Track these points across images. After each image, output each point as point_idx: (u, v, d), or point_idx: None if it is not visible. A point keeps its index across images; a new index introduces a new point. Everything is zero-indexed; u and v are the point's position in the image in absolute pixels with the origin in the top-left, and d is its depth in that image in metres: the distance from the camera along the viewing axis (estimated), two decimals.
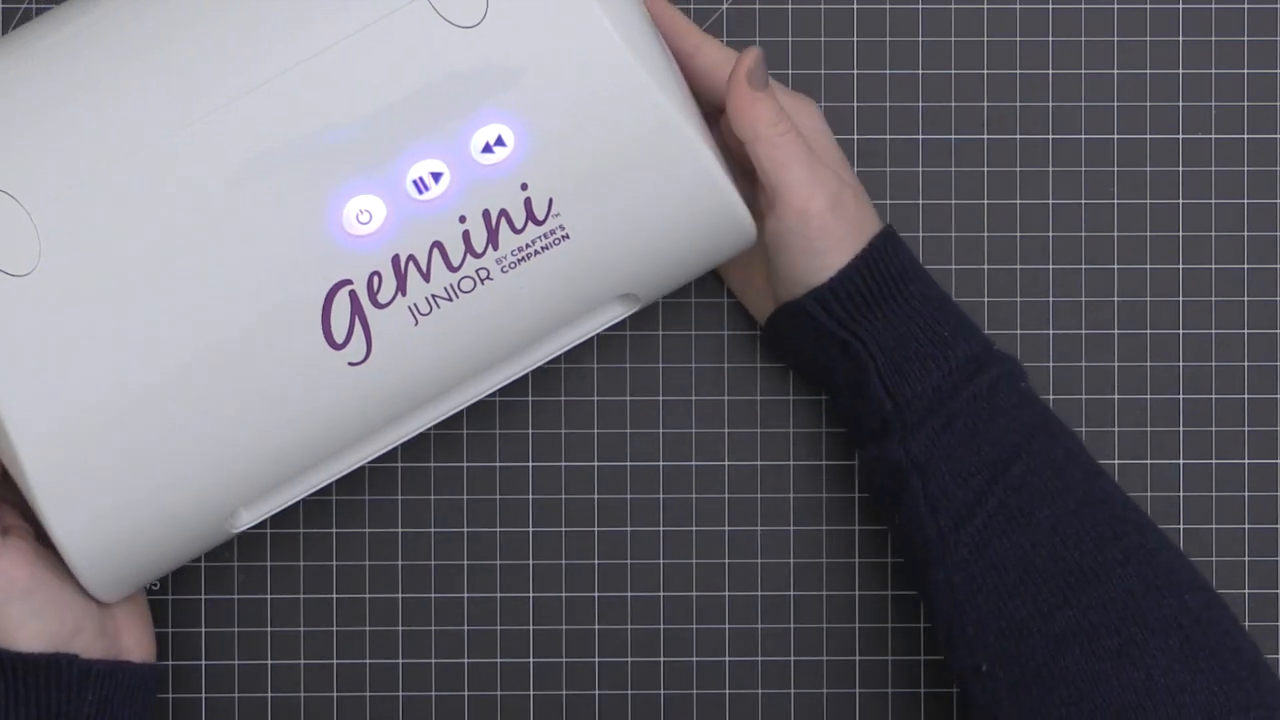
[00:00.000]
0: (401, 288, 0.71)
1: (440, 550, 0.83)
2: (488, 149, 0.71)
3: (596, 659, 0.80)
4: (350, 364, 0.71)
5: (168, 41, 0.71)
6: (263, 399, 0.71)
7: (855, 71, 0.83)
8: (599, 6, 0.70)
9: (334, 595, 0.83)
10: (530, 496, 0.83)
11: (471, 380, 0.74)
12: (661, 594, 0.83)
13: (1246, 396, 0.83)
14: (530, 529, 0.83)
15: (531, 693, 0.83)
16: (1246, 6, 0.83)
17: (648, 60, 0.71)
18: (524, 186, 0.71)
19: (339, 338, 0.71)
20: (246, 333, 0.70)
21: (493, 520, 0.83)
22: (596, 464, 0.83)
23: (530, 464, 0.83)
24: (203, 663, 0.83)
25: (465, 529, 0.83)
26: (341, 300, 0.71)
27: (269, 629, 0.83)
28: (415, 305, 0.71)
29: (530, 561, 0.83)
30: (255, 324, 0.70)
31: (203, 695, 0.83)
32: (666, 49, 0.76)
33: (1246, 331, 0.83)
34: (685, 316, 0.83)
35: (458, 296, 0.72)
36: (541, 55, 0.70)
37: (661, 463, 0.83)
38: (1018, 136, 0.83)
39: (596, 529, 0.83)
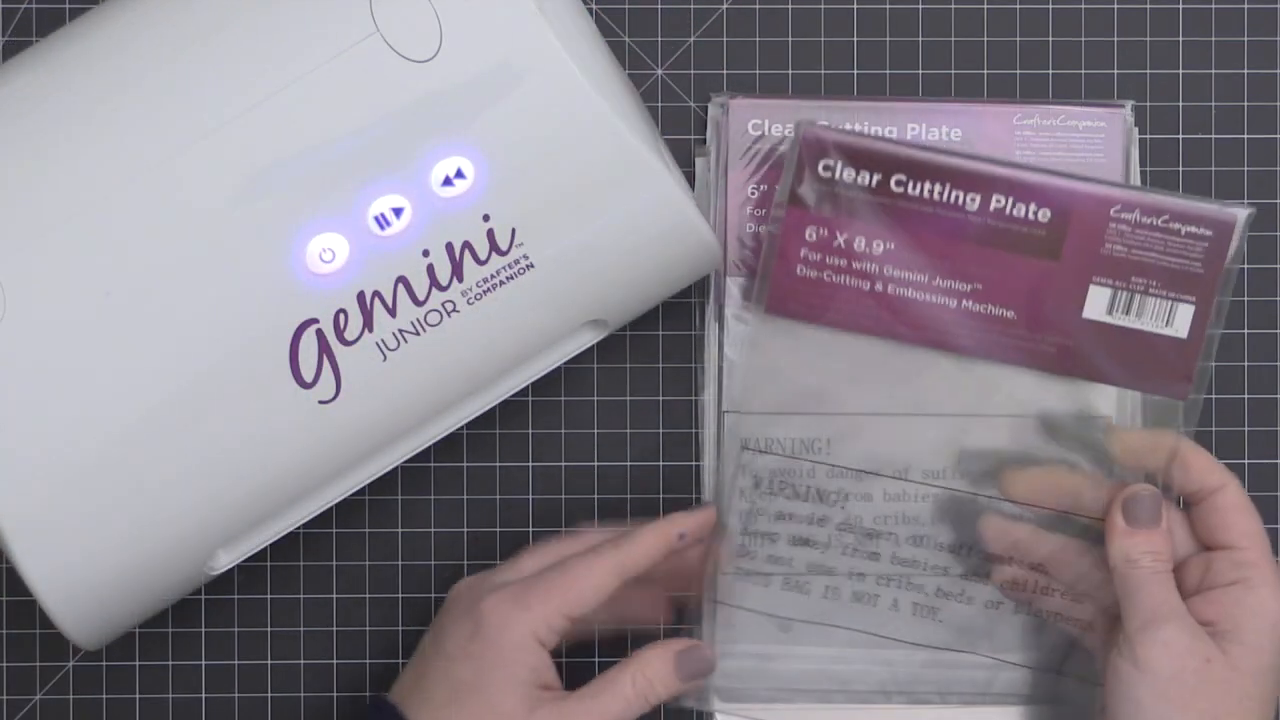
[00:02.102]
0: (368, 324, 0.71)
1: (440, 550, 0.83)
2: (448, 182, 0.71)
3: (596, 659, 0.80)
4: (320, 402, 0.71)
5: (125, 88, 0.71)
6: (235, 441, 0.71)
7: (855, 71, 0.83)
8: (554, 37, 0.70)
9: (334, 595, 0.83)
10: (530, 496, 0.83)
11: (443, 413, 0.74)
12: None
13: (1246, 396, 0.83)
14: (530, 529, 0.83)
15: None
16: (1246, 6, 0.83)
17: (604, 88, 0.72)
18: (486, 218, 0.71)
19: (308, 377, 0.71)
20: (215, 375, 0.70)
21: (493, 520, 0.83)
22: (597, 464, 0.83)
23: (530, 464, 0.83)
24: (203, 663, 0.83)
25: (465, 529, 0.83)
26: (308, 339, 0.71)
27: (269, 629, 0.83)
28: (383, 341, 0.72)
29: None
30: (223, 366, 0.70)
31: (203, 695, 0.83)
32: (624, 75, 0.76)
33: (1246, 331, 0.83)
34: (686, 315, 0.83)
35: (425, 330, 0.72)
36: (498, 86, 0.70)
37: (662, 463, 0.83)
38: None
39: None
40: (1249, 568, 0.74)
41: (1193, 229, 0.76)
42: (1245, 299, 0.83)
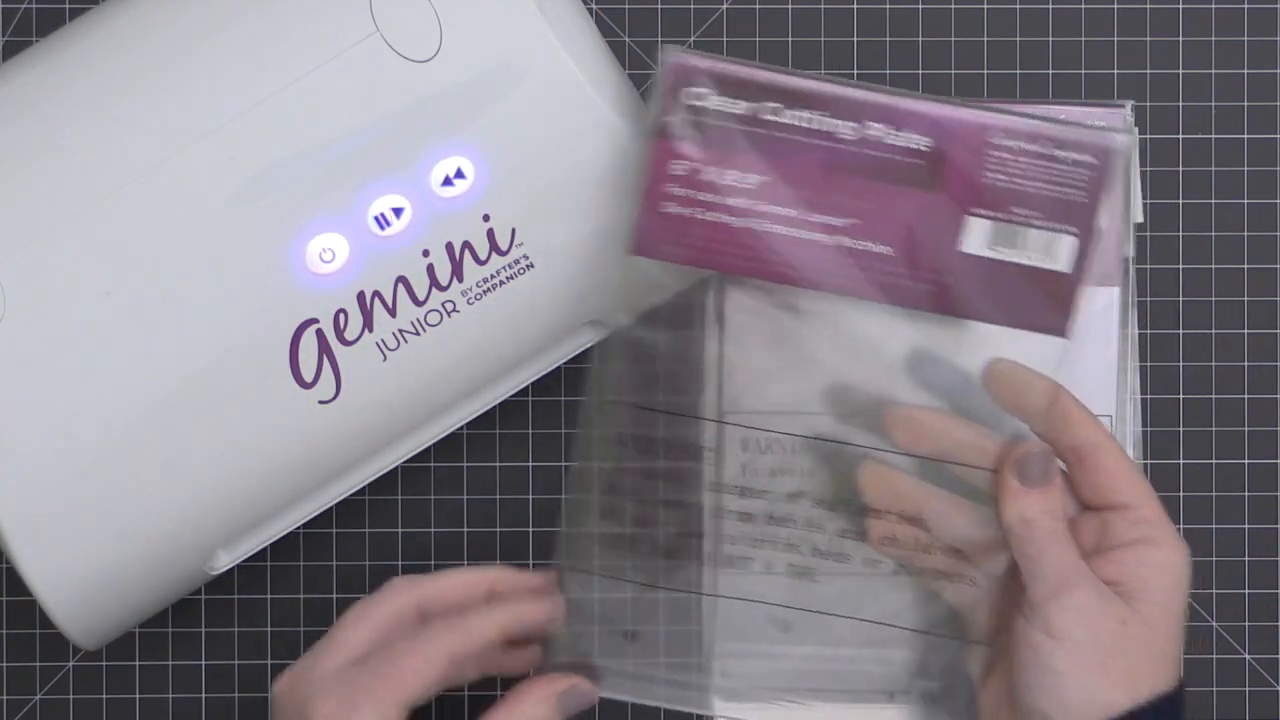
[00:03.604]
0: (368, 324, 0.71)
1: (440, 550, 0.83)
2: (448, 182, 0.71)
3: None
4: (320, 402, 0.71)
5: (126, 88, 0.71)
6: (235, 441, 0.71)
7: (855, 71, 0.83)
8: (554, 37, 0.71)
9: (334, 595, 0.83)
10: (530, 496, 0.83)
11: (443, 413, 0.74)
12: (661, 595, 0.83)
13: (1246, 396, 0.83)
14: (530, 529, 0.83)
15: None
16: (1246, 6, 0.83)
17: (604, 88, 0.72)
18: (486, 218, 0.71)
19: (308, 377, 0.71)
20: (215, 376, 0.70)
21: (493, 520, 0.83)
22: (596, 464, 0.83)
23: (530, 464, 0.83)
24: (203, 663, 0.83)
25: (465, 529, 0.83)
26: (308, 340, 0.71)
27: (269, 629, 0.83)
28: (383, 341, 0.72)
29: (530, 561, 0.83)
30: (223, 366, 0.70)
31: (203, 695, 0.83)
32: (624, 75, 0.76)
33: (1246, 331, 0.83)
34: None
35: (425, 331, 0.72)
36: (497, 86, 0.70)
37: (660, 463, 0.83)
38: None
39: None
40: (1149, 525, 0.72)
41: (1074, 155, 0.72)
42: (1245, 299, 0.83)
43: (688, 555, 0.75)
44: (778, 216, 0.72)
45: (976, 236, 0.72)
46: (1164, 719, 0.71)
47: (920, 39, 0.83)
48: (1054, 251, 0.72)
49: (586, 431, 0.74)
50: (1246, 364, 0.83)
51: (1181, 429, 0.83)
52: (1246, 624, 0.83)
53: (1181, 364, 0.83)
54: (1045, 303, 0.72)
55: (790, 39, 0.83)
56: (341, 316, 0.71)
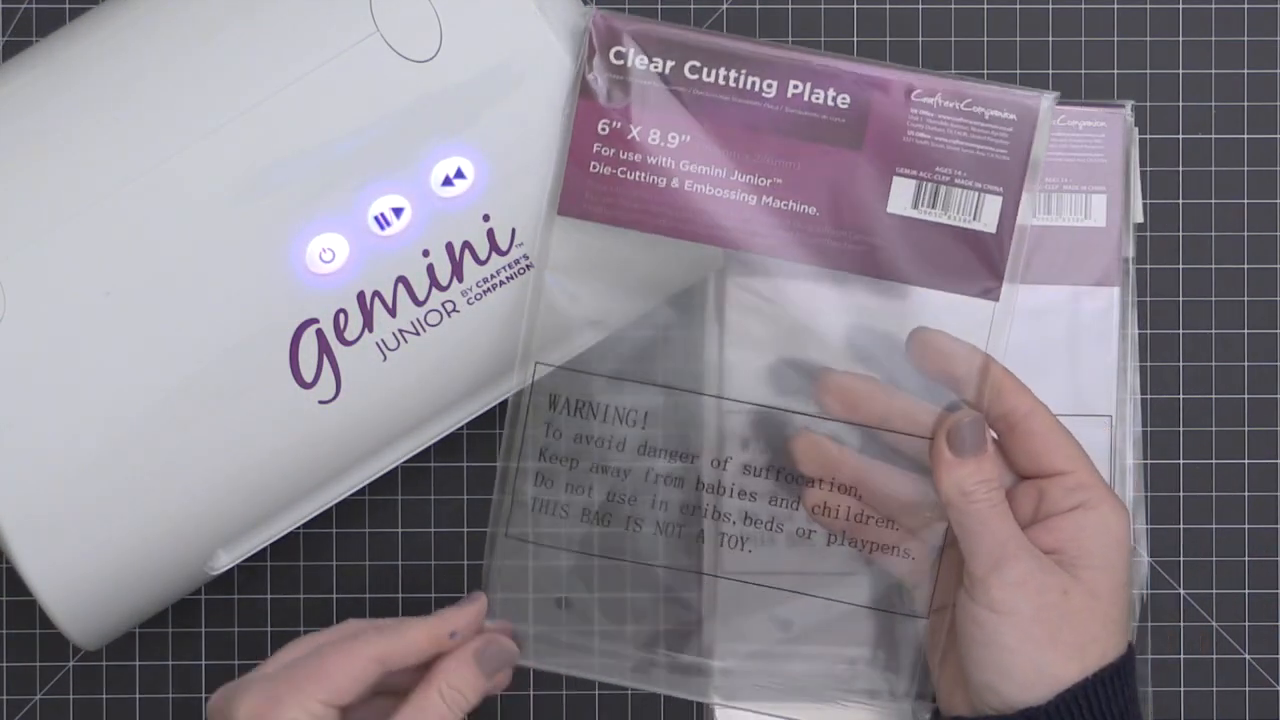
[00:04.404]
0: (368, 324, 0.71)
1: (440, 550, 0.83)
2: (448, 182, 0.71)
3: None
4: (320, 402, 0.71)
5: (126, 88, 0.71)
6: (235, 441, 0.71)
7: None
8: (554, 37, 0.71)
9: (334, 595, 0.83)
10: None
11: (443, 413, 0.74)
12: (662, 595, 0.82)
13: (1246, 396, 0.83)
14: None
15: (531, 693, 0.83)
16: (1246, 6, 0.83)
17: None
18: (486, 218, 0.71)
19: (308, 377, 0.71)
20: (215, 376, 0.70)
21: None
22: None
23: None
24: (203, 663, 0.83)
25: (465, 529, 0.83)
26: (308, 340, 0.71)
27: (269, 629, 0.83)
28: (383, 341, 0.72)
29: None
30: (224, 367, 0.70)
31: (203, 695, 0.83)
32: None
33: (1246, 331, 0.83)
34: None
35: (425, 330, 0.72)
36: (498, 86, 0.70)
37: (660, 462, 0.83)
38: None
39: (596, 529, 0.83)
40: (1084, 490, 0.71)
41: (996, 113, 0.71)
42: (1245, 299, 0.83)
43: (620, 522, 0.75)
44: (703, 176, 0.72)
45: (901, 196, 0.71)
46: (1115, 685, 0.70)
47: (920, 39, 0.83)
48: (979, 211, 0.71)
49: (517, 397, 0.74)
50: (1246, 364, 0.83)
51: (1181, 429, 0.83)
52: (1246, 624, 0.83)
53: (1181, 364, 0.83)
54: (973, 265, 0.72)
55: (790, 39, 0.83)
56: (341, 316, 0.71)
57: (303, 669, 0.69)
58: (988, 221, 0.71)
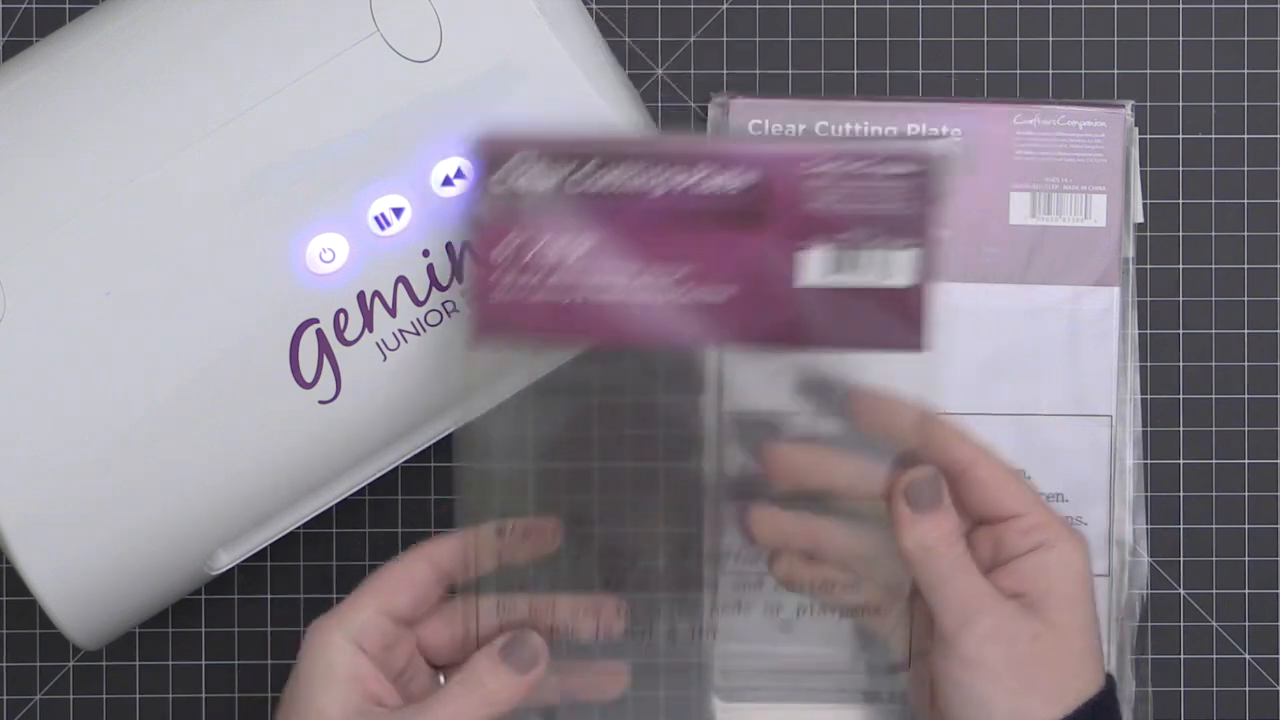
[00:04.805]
0: (368, 324, 0.71)
1: None
2: (448, 182, 0.71)
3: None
4: (320, 402, 0.71)
5: (126, 88, 0.71)
6: (235, 441, 0.71)
7: (855, 71, 0.83)
8: (554, 37, 0.70)
9: (334, 595, 0.83)
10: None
11: (443, 413, 0.74)
12: (663, 594, 0.82)
13: (1246, 396, 0.83)
14: None
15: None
16: (1246, 6, 0.83)
17: (604, 88, 0.72)
18: None
19: (308, 377, 0.71)
20: (215, 375, 0.70)
21: None
22: (597, 465, 0.83)
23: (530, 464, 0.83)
24: (203, 663, 0.83)
25: None
26: (308, 340, 0.71)
27: (269, 629, 0.83)
28: (383, 341, 0.72)
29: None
30: (223, 366, 0.70)
31: (202, 695, 0.83)
32: (624, 75, 0.76)
33: (1246, 331, 0.83)
34: None
35: (425, 330, 0.72)
36: (497, 86, 0.70)
37: (660, 463, 0.83)
38: None
39: (597, 529, 0.83)
40: (1040, 530, 0.71)
41: (895, 170, 0.70)
42: (1245, 299, 0.83)
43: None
44: (613, 280, 0.71)
45: (812, 267, 0.71)
46: (1099, 718, 0.71)
47: (920, 39, 0.83)
48: (892, 268, 0.71)
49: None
50: (1246, 364, 0.83)
51: (1181, 429, 0.83)
52: (1247, 624, 0.83)
53: (1181, 364, 0.83)
54: (894, 320, 0.71)
55: (790, 39, 0.83)
56: (341, 316, 0.71)
57: (363, 586, 0.71)
58: (902, 277, 0.71)
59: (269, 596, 0.83)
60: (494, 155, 0.70)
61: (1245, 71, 0.83)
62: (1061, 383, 0.82)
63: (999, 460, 0.73)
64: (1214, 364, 0.83)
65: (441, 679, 0.74)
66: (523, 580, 0.73)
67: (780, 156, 0.70)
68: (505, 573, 0.73)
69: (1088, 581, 0.72)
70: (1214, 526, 0.83)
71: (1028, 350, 0.82)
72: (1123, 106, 0.82)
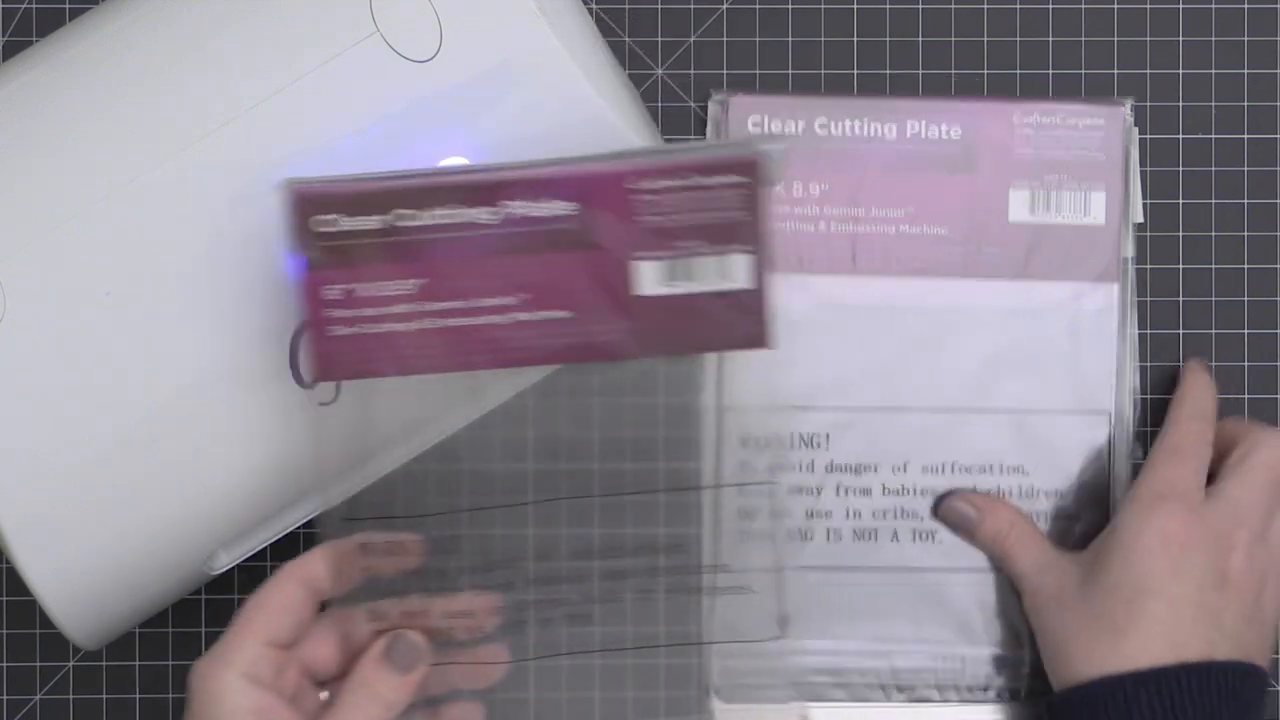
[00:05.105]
0: None
1: None
2: None
3: (597, 661, 0.80)
4: (320, 404, 0.71)
5: (125, 88, 0.71)
6: (234, 442, 0.71)
7: (855, 71, 0.83)
8: (554, 37, 0.70)
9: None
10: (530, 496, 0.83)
11: (442, 416, 0.74)
12: (662, 595, 0.82)
13: (1247, 396, 0.83)
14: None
15: (531, 695, 0.83)
16: (1246, 6, 0.83)
17: (604, 88, 0.72)
18: None
19: (308, 378, 0.71)
20: (215, 376, 0.70)
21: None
22: (598, 466, 0.83)
23: (530, 465, 0.83)
24: None
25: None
26: (309, 340, 0.71)
27: None
28: None
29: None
30: (223, 367, 0.70)
31: None
32: (624, 75, 0.76)
33: (1246, 331, 0.83)
34: None
35: None
36: (497, 86, 0.70)
37: (661, 464, 0.83)
38: None
39: (596, 529, 0.83)
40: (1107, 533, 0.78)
41: (720, 179, 0.70)
42: (1245, 299, 0.83)
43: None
44: (448, 311, 0.71)
45: (647, 279, 0.71)
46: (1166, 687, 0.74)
47: (920, 39, 0.83)
48: (729, 272, 0.71)
49: None
50: (1246, 364, 0.83)
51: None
52: None
53: (1181, 364, 0.83)
54: (737, 319, 0.72)
55: (790, 39, 0.83)
56: None
57: (238, 619, 0.71)
58: (741, 279, 0.71)
59: None
60: (308, 205, 0.70)
61: (1245, 71, 0.83)
62: (1060, 380, 0.82)
63: (1029, 521, 0.81)
64: (1214, 364, 0.83)
65: (324, 695, 0.74)
66: (393, 586, 0.74)
67: (601, 177, 0.70)
68: (374, 583, 0.73)
69: (1175, 548, 0.75)
70: None
71: (1027, 348, 0.82)
72: (1122, 104, 0.82)
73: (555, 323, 0.71)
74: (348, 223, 0.70)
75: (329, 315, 0.71)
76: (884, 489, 0.81)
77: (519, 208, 0.70)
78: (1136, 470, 0.82)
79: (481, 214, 0.70)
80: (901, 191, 0.81)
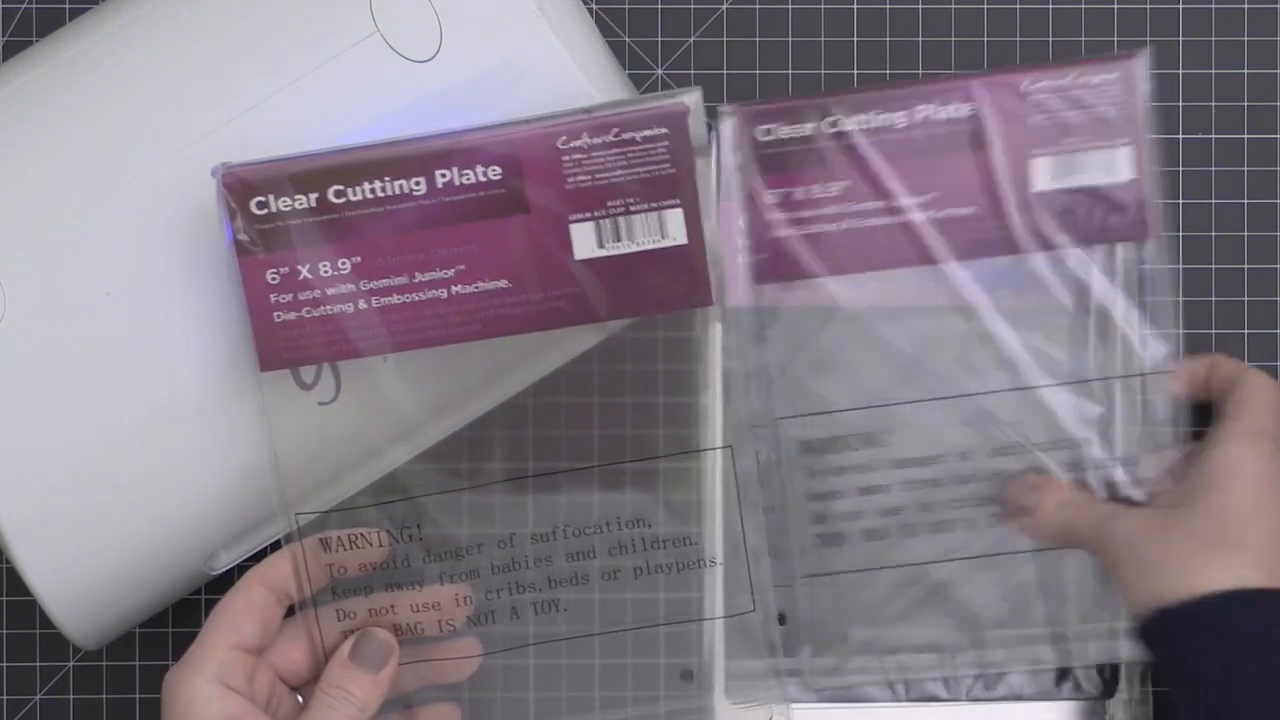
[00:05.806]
0: None
1: None
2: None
3: (597, 661, 0.80)
4: (320, 404, 0.71)
5: (126, 88, 0.71)
6: (235, 441, 0.71)
7: (855, 72, 0.83)
8: (554, 37, 0.71)
9: None
10: (530, 496, 0.83)
11: (441, 415, 0.74)
12: (663, 595, 0.83)
13: None
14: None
15: (532, 695, 0.83)
16: (1246, 6, 0.83)
17: (605, 88, 0.72)
18: None
19: (308, 378, 0.71)
20: (216, 376, 0.71)
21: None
22: (598, 466, 0.83)
23: (530, 464, 0.83)
24: None
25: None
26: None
27: None
28: None
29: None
30: (224, 367, 0.71)
31: None
32: (625, 75, 0.76)
33: (1247, 332, 0.83)
34: (686, 317, 0.83)
35: None
36: (497, 86, 0.70)
37: (662, 464, 0.83)
38: None
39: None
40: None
41: (647, 132, 0.71)
42: (1245, 299, 0.83)
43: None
44: (387, 288, 0.71)
45: (583, 241, 0.71)
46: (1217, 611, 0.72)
47: (920, 39, 0.83)
48: (664, 229, 0.71)
49: None
50: (1246, 364, 0.83)
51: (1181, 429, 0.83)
52: None
53: (1182, 364, 0.83)
54: (678, 279, 0.72)
55: (790, 39, 0.83)
56: None
57: (206, 626, 0.71)
58: (676, 235, 0.71)
59: None
60: (243, 190, 0.70)
61: (1245, 71, 0.83)
62: (1112, 344, 0.79)
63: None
64: None
65: (299, 699, 0.74)
66: (358, 584, 0.74)
67: (529, 139, 0.70)
68: (340, 581, 0.73)
69: (1251, 478, 0.74)
70: None
71: (1070, 317, 0.79)
72: (1133, 56, 0.78)
73: (494, 293, 0.71)
74: (282, 204, 0.70)
75: (272, 300, 0.71)
76: (952, 476, 0.80)
77: (451, 176, 0.70)
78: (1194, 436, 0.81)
79: (414, 185, 0.70)
80: (923, 178, 0.78)
